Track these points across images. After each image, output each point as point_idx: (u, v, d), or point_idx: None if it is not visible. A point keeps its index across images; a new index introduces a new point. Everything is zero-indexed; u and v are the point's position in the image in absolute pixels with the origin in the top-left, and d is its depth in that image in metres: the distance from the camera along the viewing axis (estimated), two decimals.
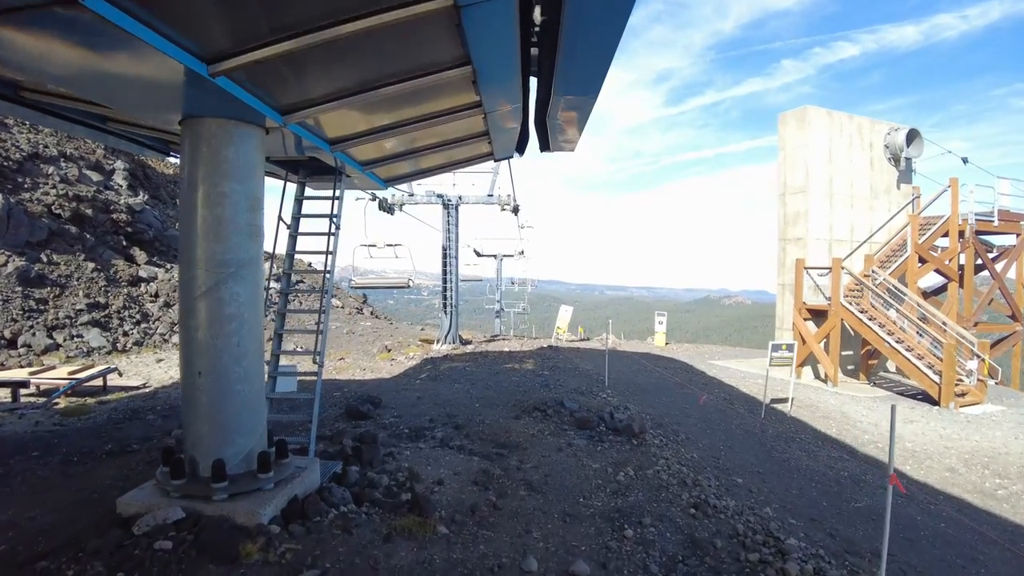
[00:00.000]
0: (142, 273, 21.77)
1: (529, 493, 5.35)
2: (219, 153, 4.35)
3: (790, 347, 10.45)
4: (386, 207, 16.77)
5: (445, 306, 17.11)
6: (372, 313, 33.45)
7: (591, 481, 5.79)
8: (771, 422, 9.56)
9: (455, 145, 6.31)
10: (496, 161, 7.16)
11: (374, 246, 9.73)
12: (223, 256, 4.34)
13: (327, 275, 5.97)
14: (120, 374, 11.95)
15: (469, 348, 16.94)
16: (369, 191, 9.50)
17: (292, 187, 6.56)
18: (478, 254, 35.03)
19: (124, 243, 22.59)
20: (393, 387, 10.92)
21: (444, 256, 17.00)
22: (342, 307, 28.57)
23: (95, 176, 24.19)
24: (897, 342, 12.71)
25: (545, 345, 17.91)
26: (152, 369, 13.79)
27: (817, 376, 14.79)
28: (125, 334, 17.35)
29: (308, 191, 6.56)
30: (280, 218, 6.23)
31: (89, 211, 21.80)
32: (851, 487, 6.64)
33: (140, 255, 22.66)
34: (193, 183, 4.34)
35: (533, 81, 5.53)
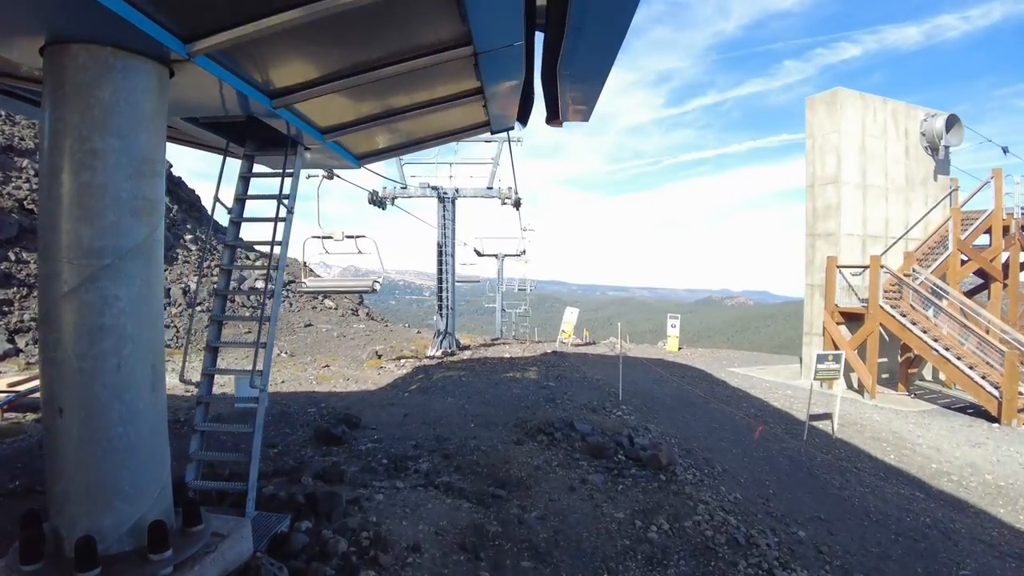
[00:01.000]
0: None
1: (535, 564, 4.00)
2: (91, 94, 3.03)
3: (837, 357, 9.07)
4: (377, 200, 15.43)
5: (440, 308, 15.75)
6: (368, 315, 32.17)
7: (615, 540, 4.44)
8: (816, 446, 8.18)
9: (443, 107, 4.96)
10: (493, 132, 5.82)
11: (330, 238, 7.71)
12: (94, 242, 3.01)
13: (272, 271, 4.63)
14: None
15: (466, 354, 15.58)
16: (330, 169, 7.99)
17: (237, 164, 5.22)
18: (479, 254, 33.53)
19: None
20: (378, 401, 9.58)
21: (439, 254, 15.65)
22: (335, 308, 27.29)
23: None
24: (945, 349, 11.31)
25: (549, 351, 16.55)
26: None
27: (850, 386, 13.39)
28: None
29: (258, 167, 5.22)
30: (216, 199, 4.88)
31: None
32: (941, 542, 5.27)
33: None
34: (56, 139, 3.01)
35: (539, 37, 4.30)
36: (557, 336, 19.81)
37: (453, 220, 15.61)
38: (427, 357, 14.87)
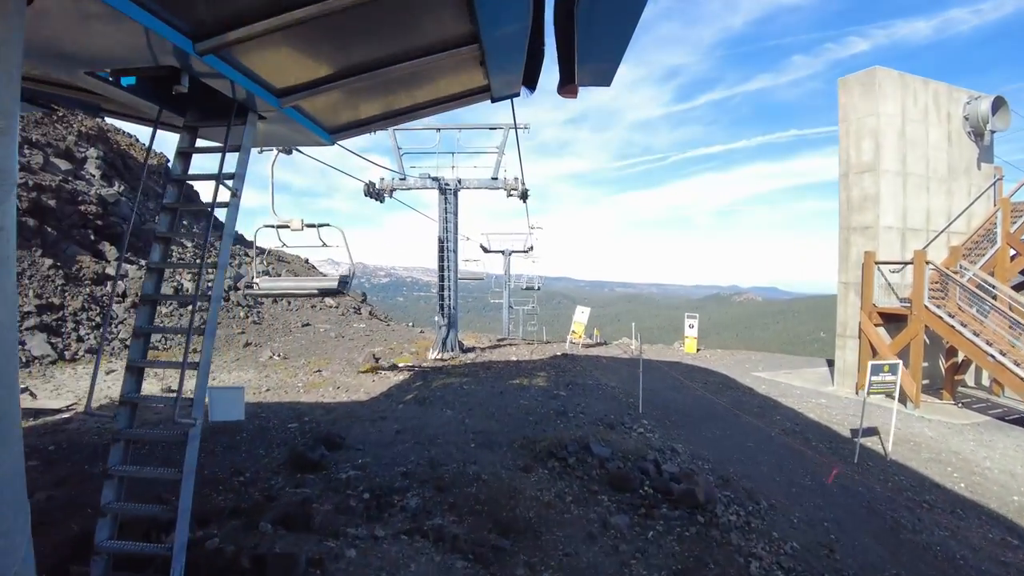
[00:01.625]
0: (110, 270, 19.67)
1: None
2: None
3: (893, 368, 7.95)
4: (374, 193, 14.41)
5: (442, 307, 14.71)
6: (371, 313, 31.25)
7: None
8: (870, 471, 7.08)
9: (431, 62, 3.90)
10: (495, 100, 4.75)
11: (286, 227, 6.24)
12: None
13: (209, 270, 3.60)
14: (34, 396, 9.70)
15: (470, 357, 14.55)
16: (294, 146, 6.61)
17: (174, 138, 4.19)
18: (485, 250, 32.17)
19: (93, 237, 20.40)
20: (369, 414, 8.58)
21: (441, 250, 14.61)
22: (335, 307, 26.35)
23: (63, 164, 22.07)
24: (1001, 354, 10.13)
25: (559, 353, 15.48)
26: (103, 381, 11.55)
27: (888, 393, 12.22)
28: (79, 339, 15.17)
29: (202, 141, 4.20)
30: (144, 178, 3.86)
31: (52, 202, 19.70)
32: None
33: (110, 251, 20.44)
34: None
35: None
36: (566, 336, 18.77)
37: (455, 213, 14.56)
38: (428, 360, 13.87)
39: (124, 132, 31.79)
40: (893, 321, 11.98)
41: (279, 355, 15.32)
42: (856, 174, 12.64)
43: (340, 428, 7.80)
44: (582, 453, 6.42)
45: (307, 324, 21.41)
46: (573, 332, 16.81)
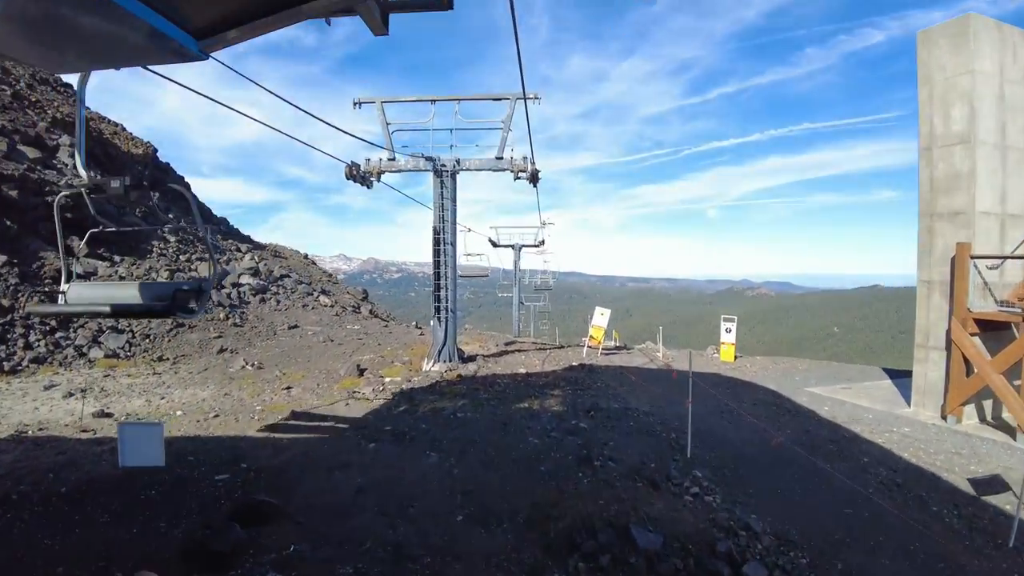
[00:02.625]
0: (78, 268, 17.86)
1: None
2: None
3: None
4: (358, 176, 12.32)
5: (438, 310, 12.60)
6: (372, 312, 29.24)
7: None
8: None
9: None
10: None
11: (102, 192, 3.63)
12: None
13: None
14: None
15: (471, 368, 12.43)
16: (144, 63, 3.99)
17: None
18: (494, 244, 30.31)
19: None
20: (328, 457, 6.50)
21: (436, 243, 12.48)
22: (331, 306, 24.34)
23: (31, 152, 20.27)
24: None
25: (575, 363, 13.32)
26: (22, 402, 9.65)
27: (983, 419, 9.92)
28: (27, 347, 13.30)
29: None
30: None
31: (15, 193, 17.92)
32: None
33: (81, 247, 18.53)
34: None
35: None
36: (582, 338, 16.61)
37: (453, 199, 12.42)
38: (421, 374, 11.78)
39: (109, 120, 29.98)
40: (992, 330, 9.64)
41: (253, 365, 13.34)
42: (943, 147, 10.26)
43: (284, 481, 5.75)
44: (620, 544, 4.28)
45: (294, 326, 19.45)
46: (591, 337, 14.63)
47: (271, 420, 8.17)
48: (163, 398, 10.05)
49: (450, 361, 12.43)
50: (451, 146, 12.58)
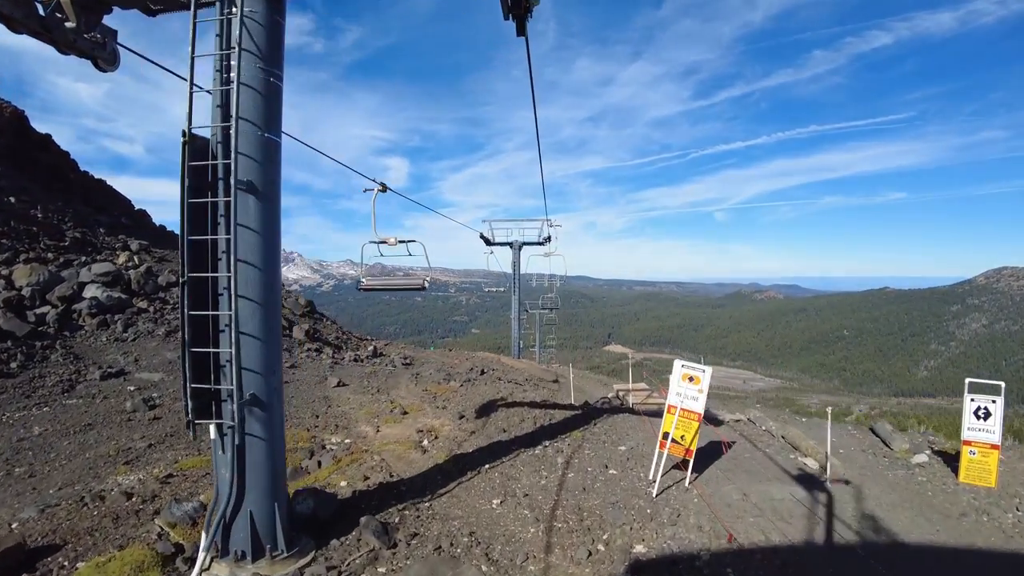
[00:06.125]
0: None
1: None
2: None
3: None
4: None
5: (212, 374, 4.39)
6: (311, 334, 18.14)
7: None
8: None
9: None
10: None
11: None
12: None
13: None
14: None
15: (368, 539, 5.06)
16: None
17: None
18: (488, 242, 25.92)
19: None
20: None
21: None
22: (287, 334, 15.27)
23: None
24: None
25: (633, 491, 7.12)
26: None
27: None
28: None
29: None
30: None
31: None
32: None
33: None
34: None
35: None
36: (587, 352, 13.32)
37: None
38: None
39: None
40: None
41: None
42: None
43: None
44: None
45: (118, 374, 11.43)
46: (672, 442, 7.00)
47: None
48: None
49: (261, 556, 4.37)
50: None
